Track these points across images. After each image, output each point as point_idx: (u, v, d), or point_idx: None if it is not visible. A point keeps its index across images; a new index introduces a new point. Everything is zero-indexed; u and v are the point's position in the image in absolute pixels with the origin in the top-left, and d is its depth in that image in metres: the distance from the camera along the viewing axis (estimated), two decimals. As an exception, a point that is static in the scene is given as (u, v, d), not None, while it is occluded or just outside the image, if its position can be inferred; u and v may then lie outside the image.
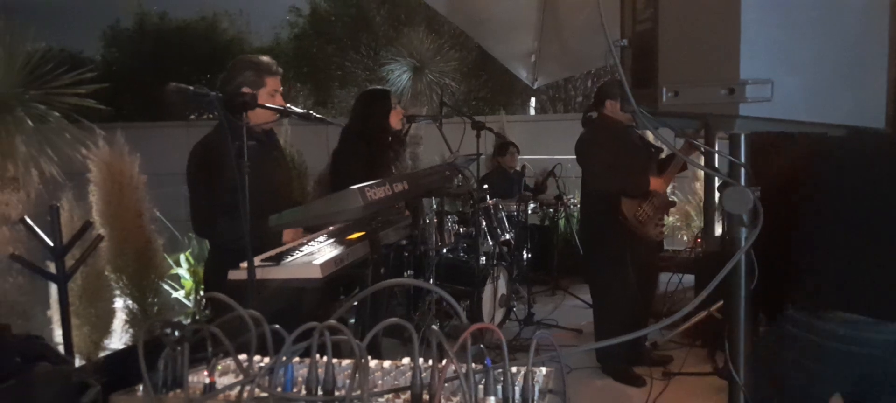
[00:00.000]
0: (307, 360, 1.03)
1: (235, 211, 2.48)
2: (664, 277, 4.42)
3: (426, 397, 0.97)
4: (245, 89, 2.52)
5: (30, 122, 3.68)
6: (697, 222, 6.48)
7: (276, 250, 2.50)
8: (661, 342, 4.35)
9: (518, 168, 6.31)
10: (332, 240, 2.65)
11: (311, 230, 2.87)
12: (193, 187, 2.59)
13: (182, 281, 4.87)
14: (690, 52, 1.15)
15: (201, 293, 4.55)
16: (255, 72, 2.62)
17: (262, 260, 2.31)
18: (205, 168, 2.55)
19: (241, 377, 1.06)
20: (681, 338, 4.31)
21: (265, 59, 2.69)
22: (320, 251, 2.43)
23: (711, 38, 1.10)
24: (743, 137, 1.21)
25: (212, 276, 2.74)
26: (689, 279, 4.75)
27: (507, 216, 5.23)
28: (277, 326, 1.08)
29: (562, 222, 6.66)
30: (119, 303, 4.38)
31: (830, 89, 1.08)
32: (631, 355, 3.91)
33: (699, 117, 1.19)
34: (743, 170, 1.22)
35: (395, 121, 3.55)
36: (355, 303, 2.53)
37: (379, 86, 4.00)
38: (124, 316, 4.41)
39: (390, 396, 1.03)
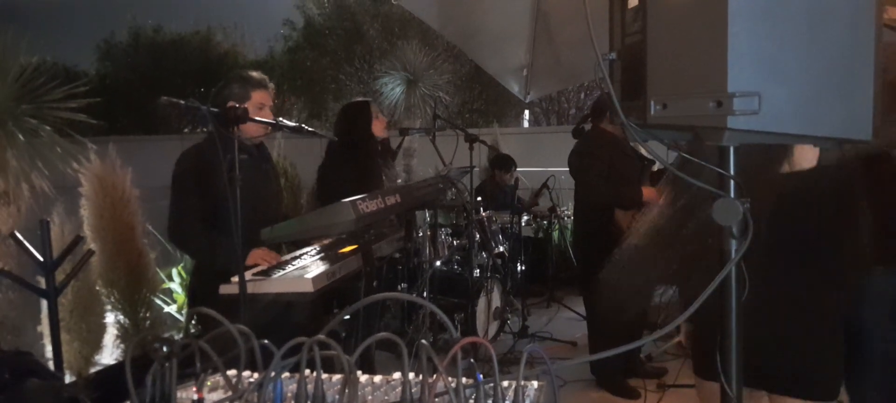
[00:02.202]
0: (297, 375, 1.03)
1: (215, 225, 2.47)
2: (658, 289, 4.42)
3: (416, 412, 0.97)
4: (231, 103, 2.52)
5: (21, 136, 3.66)
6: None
7: (265, 265, 2.49)
8: (655, 354, 4.34)
9: (511, 182, 6.32)
10: (324, 254, 2.64)
11: (303, 244, 2.86)
12: (176, 192, 2.58)
13: (174, 295, 4.84)
14: (679, 64, 1.15)
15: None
16: (240, 85, 2.62)
17: (254, 274, 2.30)
18: (190, 176, 2.54)
19: (229, 393, 1.05)
20: (675, 350, 4.31)
21: (254, 73, 2.70)
22: (312, 265, 2.43)
23: (699, 51, 1.11)
24: (732, 149, 1.22)
25: (197, 289, 2.72)
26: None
27: (500, 228, 5.23)
28: (266, 341, 1.08)
29: (556, 234, 6.66)
30: (110, 318, 4.34)
31: (818, 101, 1.08)
32: (626, 367, 3.90)
33: (688, 129, 1.20)
34: (732, 181, 1.22)
35: (379, 129, 3.54)
36: (347, 317, 2.51)
37: (358, 98, 3.99)
38: (116, 331, 4.37)
39: (380, 411, 1.02)
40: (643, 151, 3.97)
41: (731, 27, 1.04)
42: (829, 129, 1.10)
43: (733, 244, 1.23)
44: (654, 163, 3.97)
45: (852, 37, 1.09)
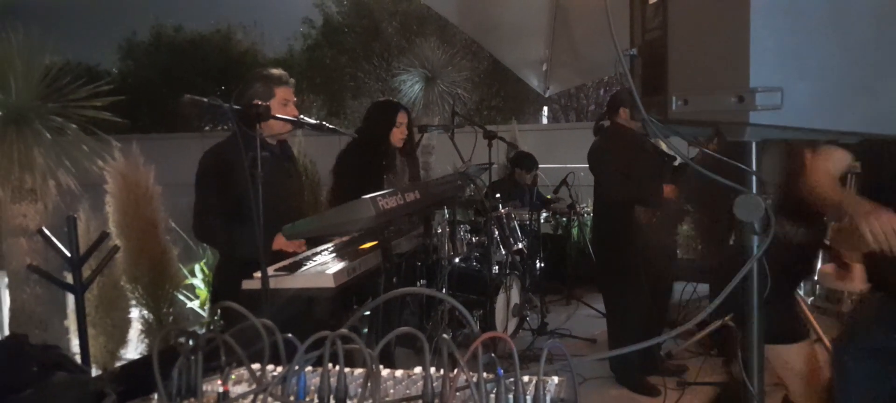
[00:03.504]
0: (320, 369, 1.04)
1: (238, 219, 2.51)
2: (678, 286, 4.39)
3: (437, 406, 0.97)
4: (256, 101, 2.55)
5: (47, 135, 3.73)
6: (712, 230, 6.43)
7: (289, 260, 2.52)
8: (675, 351, 4.31)
9: (529, 181, 6.29)
10: (344, 250, 2.66)
11: (323, 240, 2.88)
12: (201, 189, 2.63)
13: (197, 290, 4.91)
14: (700, 60, 1.15)
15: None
16: (263, 83, 2.66)
17: (276, 270, 2.33)
18: (215, 173, 2.58)
19: (254, 386, 1.07)
20: (696, 347, 4.28)
21: (275, 70, 2.73)
22: (333, 260, 2.45)
23: (721, 46, 1.10)
24: (754, 145, 1.21)
25: (220, 285, 2.77)
26: (704, 288, 4.71)
27: (519, 225, 5.22)
28: (290, 335, 1.09)
29: (575, 231, 6.63)
30: (135, 313, 4.42)
31: (842, 96, 1.07)
32: (645, 364, 3.88)
33: (709, 125, 1.19)
34: (754, 177, 1.22)
35: (396, 138, 3.54)
36: (367, 313, 2.53)
37: (392, 99, 4.00)
38: (140, 326, 4.45)
39: (402, 405, 1.03)
40: (664, 147, 3.94)
41: (754, 21, 1.03)
42: (852, 124, 1.09)
43: (755, 240, 1.22)
44: (674, 158, 3.94)
45: (877, 31, 1.08)
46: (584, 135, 4.30)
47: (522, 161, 6.19)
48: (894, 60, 1.09)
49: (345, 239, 2.91)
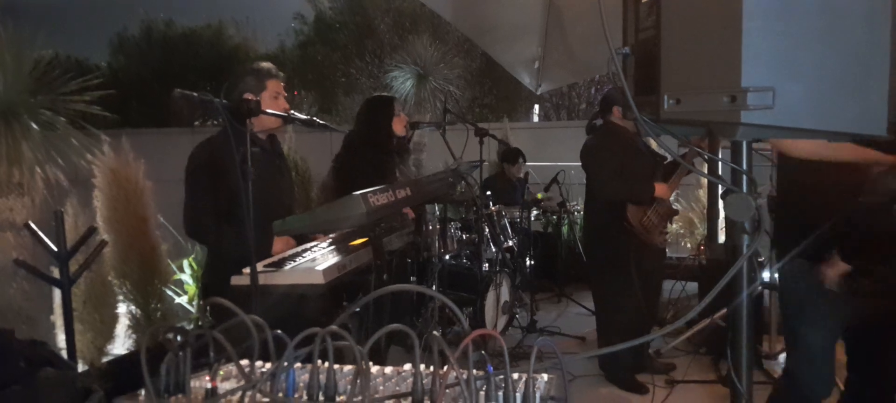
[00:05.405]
0: (309, 366, 1.04)
1: (230, 215, 2.50)
2: (668, 284, 4.41)
3: (427, 403, 0.97)
4: (247, 96, 2.54)
5: (36, 128, 3.70)
6: (701, 230, 6.47)
7: (276, 256, 2.51)
8: (664, 349, 4.33)
9: (521, 176, 6.31)
10: (335, 247, 2.65)
11: (314, 237, 2.87)
12: (191, 187, 2.60)
13: (185, 286, 4.88)
14: (692, 59, 1.15)
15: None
16: (255, 77, 2.64)
17: (265, 266, 2.31)
18: (205, 169, 2.56)
19: (242, 382, 1.06)
20: (685, 346, 4.30)
21: (265, 63, 2.72)
22: (323, 257, 2.44)
23: (713, 46, 1.10)
24: (745, 144, 1.21)
25: (210, 281, 2.75)
26: (693, 286, 4.74)
27: (510, 222, 5.23)
28: (279, 332, 1.09)
29: (565, 229, 6.65)
30: (123, 309, 4.39)
31: (832, 97, 1.08)
32: (634, 362, 3.90)
33: (701, 125, 1.19)
34: (745, 177, 1.22)
35: (399, 127, 3.56)
36: (357, 310, 2.53)
37: (383, 93, 4.01)
38: (128, 322, 4.41)
39: (392, 402, 1.03)
40: (655, 146, 3.95)
41: (746, 22, 1.03)
42: (843, 125, 1.10)
43: (745, 239, 1.23)
44: (666, 157, 3.95)
45: (868, 33, 1.08)
46: (576, 134, 4.31)
47: (507, 155, 6.23)
48: (885, 61, 1.10)
49: (335, 235, 2.90)
